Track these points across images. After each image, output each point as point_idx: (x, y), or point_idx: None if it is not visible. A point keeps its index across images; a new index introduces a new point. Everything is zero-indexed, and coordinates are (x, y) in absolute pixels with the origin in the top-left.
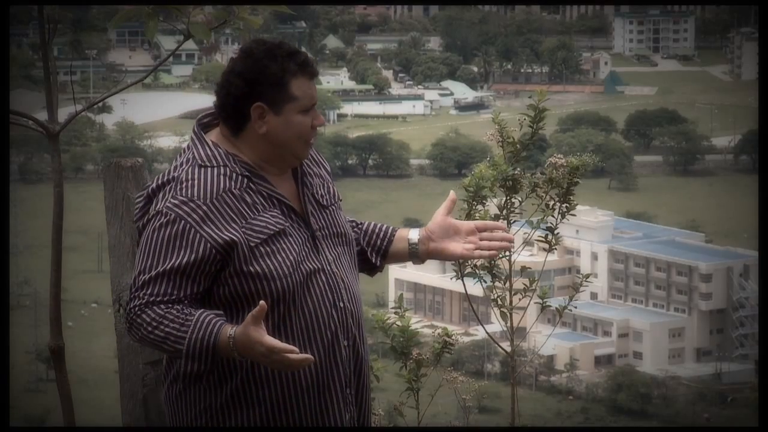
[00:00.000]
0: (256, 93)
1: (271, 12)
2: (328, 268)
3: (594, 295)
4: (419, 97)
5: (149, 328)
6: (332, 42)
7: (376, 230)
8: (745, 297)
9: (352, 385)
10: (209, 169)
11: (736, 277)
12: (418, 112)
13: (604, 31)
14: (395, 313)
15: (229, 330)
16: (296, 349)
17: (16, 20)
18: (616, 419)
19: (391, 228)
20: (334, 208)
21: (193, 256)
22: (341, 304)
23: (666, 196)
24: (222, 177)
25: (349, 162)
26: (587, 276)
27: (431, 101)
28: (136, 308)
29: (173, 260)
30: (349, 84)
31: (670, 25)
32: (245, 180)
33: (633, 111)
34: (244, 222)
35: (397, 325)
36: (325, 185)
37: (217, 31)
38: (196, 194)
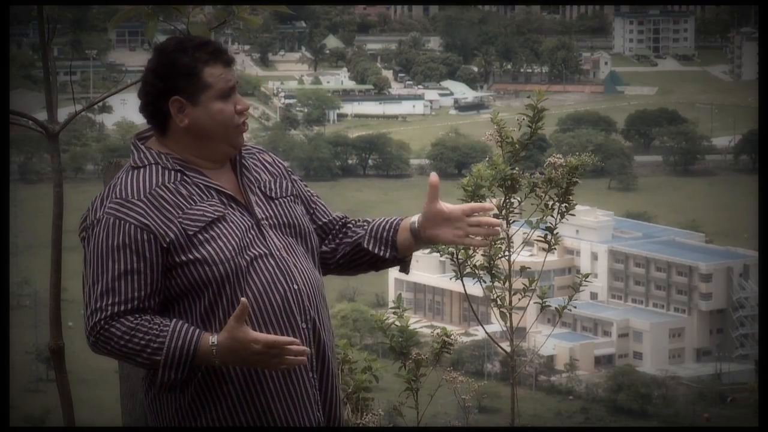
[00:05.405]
0: (171, 87)
1: (271, 12)
2: (277, 253)
3: (594, 295)
4: (419, 97)
5: (121, 342)
6: (332, 42)
7: (384, 224)
8: (745, 297)
9: (316, 370)
10: (141, 169)
11: (736, 277)
12: (418, 112)
13: (604, 31)
14: (394, 313)
15: (211, 338)
16: (297, 340)
17: (16, 20)
18: (616, 419)
19: (396, 219)
20: (285, 200)
21: (142, 253)
22: (295, 287)
23: (666, 196)
24: (154, 174)
25: (349, 162)
26: (587, 276)
27: (431, 101)
28: (102, 321)
29: (125, 263)
30: (349, 84)
31: (670, 25)
32: (179, 174)
33: (633, 111)
34: (180, 212)
35: (396, 325)
36: (278, 181)
37: (217, 31)
38: (130, 194)
